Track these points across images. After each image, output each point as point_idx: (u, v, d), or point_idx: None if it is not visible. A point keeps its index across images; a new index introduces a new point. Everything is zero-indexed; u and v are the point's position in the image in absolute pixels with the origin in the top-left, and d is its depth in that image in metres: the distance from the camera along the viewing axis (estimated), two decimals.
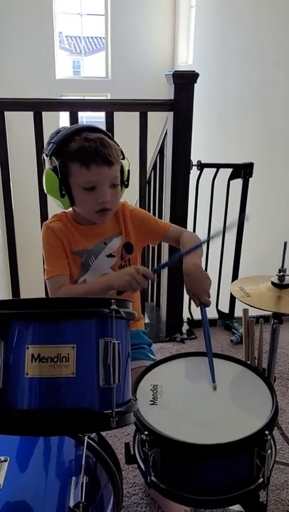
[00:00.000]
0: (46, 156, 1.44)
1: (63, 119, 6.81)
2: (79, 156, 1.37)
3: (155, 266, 3.40)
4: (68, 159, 1.39)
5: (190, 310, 2.93)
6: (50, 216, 2.18)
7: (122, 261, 1.57)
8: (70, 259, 1.52)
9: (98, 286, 1.45)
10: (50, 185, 1.42)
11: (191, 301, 1.48)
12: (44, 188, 1.45)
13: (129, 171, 1.52)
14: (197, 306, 1.48)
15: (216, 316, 3.07)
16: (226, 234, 2.51)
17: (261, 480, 1.15)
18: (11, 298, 2.86)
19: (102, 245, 1.53)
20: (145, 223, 1.62)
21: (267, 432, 1.11)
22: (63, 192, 1.41)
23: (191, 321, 2.99)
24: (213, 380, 1.30)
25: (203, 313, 1.46)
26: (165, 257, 2.91)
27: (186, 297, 2.63)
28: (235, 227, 1.53)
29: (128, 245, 1.58)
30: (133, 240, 1.59)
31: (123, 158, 1.50)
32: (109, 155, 1.39)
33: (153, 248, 3.39)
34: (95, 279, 1.52)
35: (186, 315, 2.99)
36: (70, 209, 1.55)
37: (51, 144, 1.42)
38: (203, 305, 1.46)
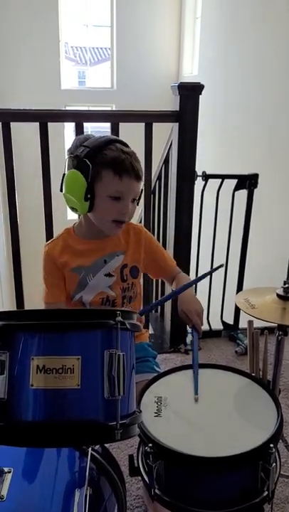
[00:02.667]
0: (77, 156, 1.41)
1: (68, 129, 6.86)
2: (115, 165, 1.38)
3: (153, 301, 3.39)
4: (102, 166, 1.39)
5: (183, 322, 2.92)
6: (54, 227, 2.19)
7: (124, 283, 1.55)
8: (68, 276, 1.52)
9: None
10: (73, 186, 1.41)
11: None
12: (64, 187, 1.44)
13: (142, 190, 1.54)
14: (190, 328, 1.50)
15: (220, 327, 3.06)
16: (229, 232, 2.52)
17: (266, 493, 1.14)
18: (15, 309, 2.86)
19: (102, 263, 1.52)
20: (156, 256, 1.65)
21: (272, 445, 1.10)
22: (88, 196, 1.40)
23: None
24: (196, 393, 1.31)
25: (194, 338, 1.49)
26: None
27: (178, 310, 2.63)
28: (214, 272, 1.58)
29: (134, 269, 1.57)
30: (141, 265, 1.59)
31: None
32: (140, 170, 1.43)
33: None
34: None
35: None
36: (76, 223, 1.55)
37: (83, 147, 1.41)
38: (195, 329, 1.49)
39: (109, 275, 1.53)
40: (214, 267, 1.59)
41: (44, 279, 1.55)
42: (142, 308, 1.71)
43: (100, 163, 1.39)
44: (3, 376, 0.91)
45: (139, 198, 1.52)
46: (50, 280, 1.54)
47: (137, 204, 1.53)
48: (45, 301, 1.56)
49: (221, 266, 1.57)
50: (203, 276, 1.57)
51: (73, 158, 1.42)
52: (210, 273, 1.54)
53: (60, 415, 0.90)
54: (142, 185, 1.48)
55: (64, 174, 1.45)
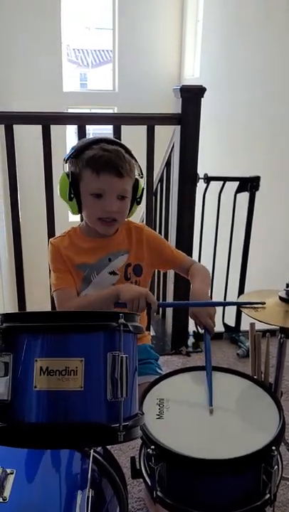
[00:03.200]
0: (64, 160, 1.48)
1: (70, 131, 6.87)
2: (92, 162, 1.41)
3: (161, 300, 3.39)
4: (82, 165, 1.43)
5: (196, 323, 2.92)
6: (56, 229, 2.20)
7: (128, 281, 1.56)
8: (73, 272, 1.53)
9: (109, 296, 1.43)
10: (61, 188, 1.46)
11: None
12: (58, 191, 1.48)
13: (143, 189, 1.54)
14: (201, 329, 1.50)
15: (222, 329, 3.06)
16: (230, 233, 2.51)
17: (268, 496, 1.14)
18: (17, 311, 2.87)
19: (106, 261, 1.54)
20: (161, 250, 1.64)
21: (274, 448, 1.10)
22: (72, 195, 1.44)
23: (197, 334, 2.98)
24: (211, 404, 1.29)
25: (207, 340, 1.48)
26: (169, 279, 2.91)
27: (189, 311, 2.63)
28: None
29: (137, 267, 1.58)
30: (144, 264, 1.59)
31: (141, 177, 1.53)
32: (121, 167, 1.42)
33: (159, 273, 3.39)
34: (107, 291, 1.49)
35: (191, 328, 2.98)
36: (83, 223, 1.57)
37: (71, 150, 1.47)
38: (207, 331, 1.48)
39: (113, 273, 1.54)
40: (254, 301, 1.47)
41: (53, 269, 1.54)
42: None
43: (81, 163, 1.43)
44: (6, 378, 0.91)
45: (141, 197, 1.53)
46: (60, 266, 1.53)
47: (138, 203, 1.54)
48: (57, 289, 1.52)
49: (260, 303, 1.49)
50: (235, 303, 1.60)
51: (64, 161, 1.48)
52: (247, 303, 1.46)
53: (63, 417, 0.91)
54: (128, 182, 1.47)
55: None
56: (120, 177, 1.42)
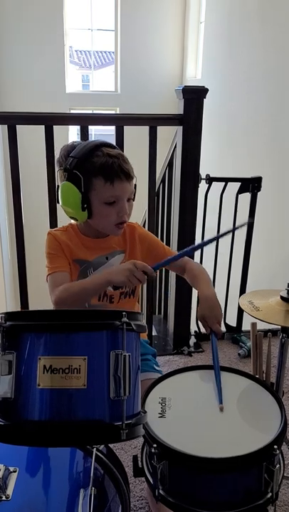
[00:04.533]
0: (67, 169, 1.43)
1: (72, 132, 6.88)
2: (104, 171, 1.40)
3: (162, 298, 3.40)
4: (92, 174, 1.41)
5: (197, 323, 2.93)
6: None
7: None
8: (70, 264, 1.53)
9: (97, 281, 1.42)
10: (68, 197, 1.44)
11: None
12: (60, 200, 1.47)
13: (135, 185, 1.54)
14: (208, 334, 1.50)
15: (223, 329, 3.06)
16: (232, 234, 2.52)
17: (270, 495, 1.15)
18: (19, 309, 2.88)
19: (104, 260, 1.55)
20: (153, 249, 1.65)
21: (276, 447, 1.11)
22: (85, 206, 1.43)
23: (199, 334, 2.98)
24: (220, 402, 1.29)
25: (214, 342, 1.47)
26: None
27: (193, 310, 2.64)
28: (242, 228, 1.53)
29: None
30: None
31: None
32: (129, 170, 1.43)
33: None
34: (93, 275, 1.51)
35: (193, 328, 2.98)
36: (81, 223, 1.56)
37: (71, 159, 1.43)
38: (214, 333, 1.48)
39: None
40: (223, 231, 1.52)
41: (48, 254, 1.52)
42: (138, 304, 1.73)
43: (90, 172, 1.41)
44: (10, 376, 0.92)
45: (134, 194, 1.52)
46: (55, 253, 1.52)
47: (133, 200, 1.53)
48: (50, 273, 1.50)
49: (245, 224, 1.49)
50: (221, 235, 1.54)
51: (64, 171, 1.45)
52: (231, 231, 1.49)
53: (66, 415, 0.91)
54: (133, 183, 1.48)
55: (58, 186, 1.48)
56: (130, 181, 1.44)
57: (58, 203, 1.49)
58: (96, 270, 1.54)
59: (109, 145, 1.47)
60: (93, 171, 1.40)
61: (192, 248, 1.50)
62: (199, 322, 1.51)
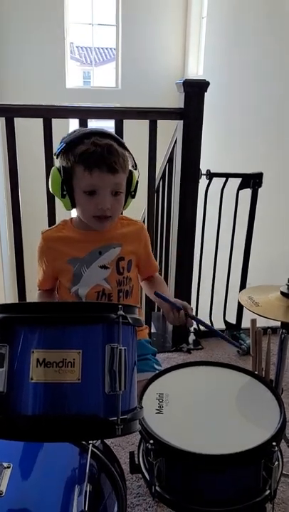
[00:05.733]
0: (54, 154, 1.45)
1: (73, 127, 6.85)
2: (84, 159, 1.37)
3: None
4: (74, 161, 1.39)
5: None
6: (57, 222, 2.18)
7: (120, 276, 1.53)
8: (63, 268, 1.52)
9: None
10: (53, 184, 1.43)
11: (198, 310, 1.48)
12: (50, 186, 1.45)
13: (137, 181, 1.51)
14: (187, 318, 1.46)
15: (223, 326, 3.05)
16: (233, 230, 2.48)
17: (268, 492, 1.13)
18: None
19: (97, 255, 1.51)
20: (147, 255, 1.65)
21: (274, 444, 1.09)
22: (64, 192, 1.41)
23: (198, 332, 2.96)
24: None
25: (196, 319, 1.47)
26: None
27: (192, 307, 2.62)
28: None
29: (130, 263, 1.56)
30: (135, 261, 1.58)
31: (135, 168, 1.49)
32: (114, 162, 1.37)
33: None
34: None
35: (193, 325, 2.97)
36: (76, 216, 1.55)
37: (61, 144, 1.42)
38: (191, 317, 1.46)
39: (104, 267, 1.51)
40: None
41: (39, 265, 1.58)
42: (138, 303, 1.72)
43: (73, 159, 1.39)
44: (2, 369, 0.89)
45: (135, 191, 1.50)
46: (44, 268, 1.57)
47: (133, 197, 1.51)
48: (39, 288, 1.64)
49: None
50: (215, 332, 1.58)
51: (55, 156, 1.45)
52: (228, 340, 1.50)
53: (60, 409, 0.89)
54: (122, 177, 1.43)
55: None
56: (113, 173, 1.38)
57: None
58: (89, 268, 1.51)
59: (104, 134, 1.42)
60: (75, 158, 1.38)
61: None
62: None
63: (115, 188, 1.42)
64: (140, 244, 1.59)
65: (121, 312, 0.94)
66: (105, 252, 1.51)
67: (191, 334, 2.97)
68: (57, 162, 1.45)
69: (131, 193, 1.49)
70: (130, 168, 1.47)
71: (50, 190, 1.45)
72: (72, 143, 1.40)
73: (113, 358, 0.92)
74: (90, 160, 1.36)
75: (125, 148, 1.45)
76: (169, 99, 4.23)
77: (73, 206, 1.45)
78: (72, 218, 1.57)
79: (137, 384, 1.05)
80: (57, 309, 0.96)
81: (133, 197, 1.51)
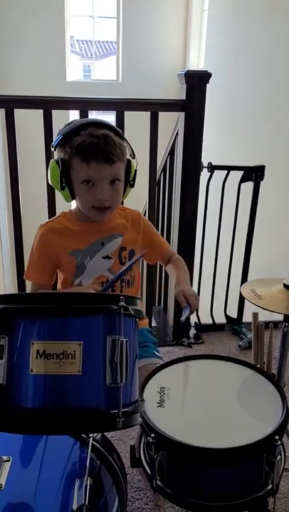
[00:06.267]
0: (51, 146, 1.44)
1: (73, 119, 6.83)
2: (81, 151, 1.36)
3: (163, 296, 3.36)
4: (71, 153, 1.38)
5: (197, 314, 2.90)
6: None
7: (122, 266, 1.52)
8: (66, 261, 1.51)
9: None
10: (52, 176, 1.42)
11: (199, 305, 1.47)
12: (49, 178, 1.44)
13: (136, 170, 1.49)
14: (182, 307, 1.44)
15: (223, 320, 3.04)
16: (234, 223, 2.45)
17: (270, 486, 1.12)
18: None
19: (99, 246, 1.51)
20: (152, 240, 1.64)
21: (277, 437, 1.08)
22: (63, 184, 1.41)
23: (199, 326, 2.95)
24: None
25: (184, 314, 1.42)
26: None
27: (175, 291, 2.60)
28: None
29: (132, 253, 1.55)
30: (137, 250, 1.57)
31: (133, 157, 1.48)
32: (111, 153, 1.36)
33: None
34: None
35: (193, 319, 2.95)
36: (75, 207, 1.53)
37: (59, 136, 1.42)
38: (190, 306, 1.43)
39: (107, 257, 1.51)
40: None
41: (31, 255, 1.55)
42: (139, 293, 1.69)
43: (70, 151, 1.38)
44: (2, 361, 0.88)
45: (134, 180, 1.48)
46: (36, 258, 1.54)
47: (132, 186, 1.50)
48: (27, 279, 1.57)
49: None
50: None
51: (53, 148, 1.44)
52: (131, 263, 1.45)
53: (60, 402, 0.88)
54: (120, 167, 1.42)
55: None
56: (110, 164, 1.37)
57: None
58: (93, 259, 1.50)
59: (100, 124, 1.41)
60: (72, 150, 1.37)
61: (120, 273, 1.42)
62: (179, 300, 1.46)
63: (113, 178, 1.41)
64: (139, 232, 1.58)
65: (122, 303, 0.92)
66: (107, 242, 1.51)
67: (192, 328, 2.96)
68: (55, 154, 1.45)
69: (130, 182, 1.48)
70: (128, 157, 1.46)
71: (50, 182, 1.45)
72: (68, 135, 1.39)
73: (114, 349, 0.90)
74: (86, 152, 1.36)
75: (122, 138, 1.44)
76: (169, 93, 4.19)
77: (73, 198, 1.45)
78: (71, 210, 1.56)
79: (138, 371, 1.03)
80: (57, 300, 0.95)
81: (132, 186, 1.50)
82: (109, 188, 1.40)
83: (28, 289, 1.61)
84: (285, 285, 1.41)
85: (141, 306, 1.21)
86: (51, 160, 1.43)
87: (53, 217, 1.59)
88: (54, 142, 1.43)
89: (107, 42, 12.89)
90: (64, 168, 1.39)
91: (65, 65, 7.73)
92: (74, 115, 2.61)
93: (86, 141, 1.36)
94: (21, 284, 2.69)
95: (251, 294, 1.42)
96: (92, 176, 1.38)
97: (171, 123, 2.74)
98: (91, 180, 1.38)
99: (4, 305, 0.90)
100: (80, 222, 1.52)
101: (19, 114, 2.39)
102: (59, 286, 1.60)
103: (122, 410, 0.89)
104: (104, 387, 0.90)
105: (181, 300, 1.45)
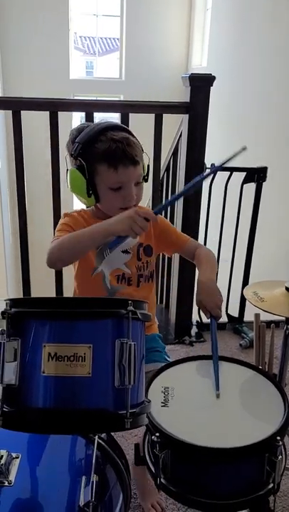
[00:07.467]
0: (72, 155, 1.44)
1: (76, 118, 6.84)
2: (107, 157, 1.37)
3: (165, 291, 3.38)
4: (95, 160, 1.39)
5: (199, 313, 2.92)
6: (62, 214, 2.19)
7: (139, 262, 1.55)
8: None
9: (95, 230, 1.37)
10: (75, 184, 1.43)
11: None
12: (69, 186, 1.45)
13: (148, 165, 1.52)
14: (208, 318, 1.47)
15: (225, 319, 3.06)
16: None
17: (271, 485, 1.15)
18: (21, 294, 2.87)
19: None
20: (165, 233, 1.63)
21: (278, 438, 1.10)
22: (90, 192, 1.42)
23: (200, 324, 2.98)
24: (217, 388, 1.29)
25: (213, 326, 1.45)
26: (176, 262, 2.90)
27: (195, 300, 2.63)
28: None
29: (148, 248, 1.57)
30: (153, 244, 1.59)
31: (143, 152, 1.50)
32: (135, 155, 1.39)
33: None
34: (92, 226, 1.41)
35: (195, 317, 2.98)
36: (92, 208, 1.55)
37: (76, 144, 1.42)
38: (214, 318, 1.45)
39: (126, 252, 1.53)
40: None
41: (60, 227, 1.47)
42: (154, 287, 1.67)
43: (94, 158, 1.39)
44: (15, 363, 0.91)
45: (148, 175, 1.50)
46: (67, 228, 1.46)
47: (146, 181, 1.50)
48: (54, 239, 1.41)
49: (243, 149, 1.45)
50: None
51: (70, 156, 1.44)
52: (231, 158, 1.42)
53: (70, 403, 0.91)
54: (141, 166, 1.44)
55: (67, 170, 1.46)
56: (136, 165, 1.40)
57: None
58: (112, 252, 1.50)
59: (115, 127, 1.43)
60: (97, 157, 1.39)
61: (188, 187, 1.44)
62: (201, 310, 1.48)
63: (138, 179, 1.44)
64: (152, 228, 1.58)
65: (131, 308, 0.95)
66: (126, 237, 1.48)
67: (194, 327, 2.99)
68: (71, 162, 1.45)
69: (144, 177, 1.50)
70: None
71: (71, 190, 1.45)
72: (87, 142, 1.40)
73: (123, 352, 0.93)
74: (114, 157, 1.37)
75: (134, 136, 1.46)
76: (172, 90, 4.22)
77: (97, 202, 1.46)
78: (86, 211, 1.56)
79: (148, 374, 1.06)
80: (68, 304, 0.98)
81: (146, 181, 1.52)
82: (134, 188, 1.44)
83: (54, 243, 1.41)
84: (287, 288, 1.43)
85: (152, 311, 1.23)
86: (70, 169, 1.43)
87: (75, 212, 1.57)
88: (72, 151, 1.43)
89: (109, 38, 12.87)
90: (89, 176, 1.40)
91: (68, 63, 7.74)
92: (76, 115, 2.64)
93: (111, 146, 1.37)
94: (26, 279, 2.71)
95: (254, 297, 1.44)
96: (121, 180, 1.40)
97: (174, 122, 2.76)
98: (120, 184, 1.41)
99: (17, 308, 0.93)
100: (100, 220, 1.53)
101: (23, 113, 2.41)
102: (74, 284, 1.60)
103: (130, 411, 0.92)
104: (112, 388, 0.93)
105: (203, 312, 1.47)
